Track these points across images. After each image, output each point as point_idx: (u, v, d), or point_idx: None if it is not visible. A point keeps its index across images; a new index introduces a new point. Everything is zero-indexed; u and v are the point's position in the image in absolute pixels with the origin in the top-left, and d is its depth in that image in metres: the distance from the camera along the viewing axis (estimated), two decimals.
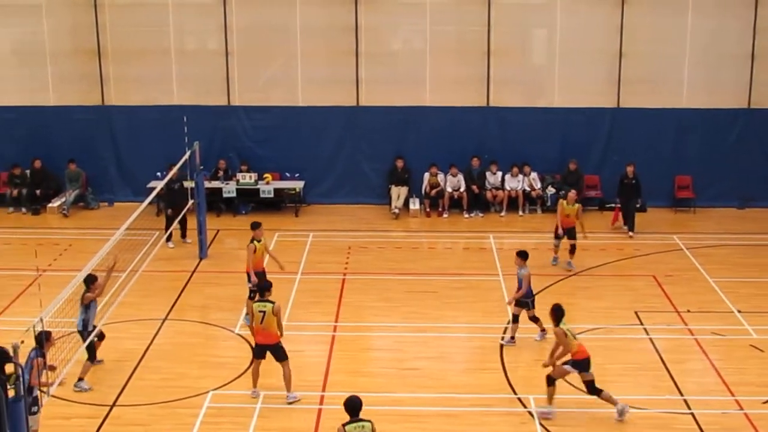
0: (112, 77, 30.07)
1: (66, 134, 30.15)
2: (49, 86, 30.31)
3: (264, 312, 17.42)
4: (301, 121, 29.69)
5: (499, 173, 29.18)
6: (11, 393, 13.77)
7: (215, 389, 18.11)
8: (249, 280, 20.45)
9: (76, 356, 17.09)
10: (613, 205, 28.07)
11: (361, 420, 13.32)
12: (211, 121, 29.45)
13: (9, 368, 14.07)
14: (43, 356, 15.13)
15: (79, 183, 29.83)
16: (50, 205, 29.65)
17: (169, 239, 25.65)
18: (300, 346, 20.17)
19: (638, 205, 27.62)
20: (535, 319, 19.93)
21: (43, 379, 15.33)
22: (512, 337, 19.92)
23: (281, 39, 29.64)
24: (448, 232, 27.72)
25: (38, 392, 15.03)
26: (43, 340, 14.94)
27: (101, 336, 18.81)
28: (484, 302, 22.27)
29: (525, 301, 19.73)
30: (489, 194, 29.11)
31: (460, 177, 29.02)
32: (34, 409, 14.99)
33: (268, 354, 17.68)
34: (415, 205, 29.26)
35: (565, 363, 17.02)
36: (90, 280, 18.00)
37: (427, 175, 29.24)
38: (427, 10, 29.15)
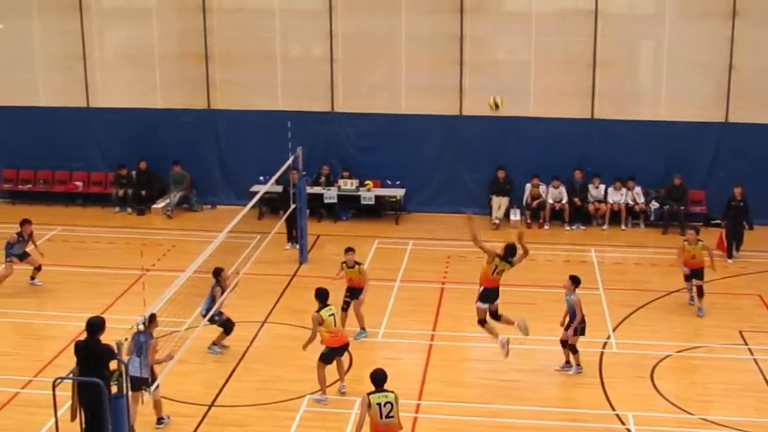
0: (218, 81, 30.48)
1: (172, 137, 30.65)
2: (156, 89, 30.85)
3: (333, 314, 17.96)
4: (404, 129, 29.71)
5: (602, 186, 28.86)
6: (114, 389, 14.01)
7: (312, 393, 18.18)
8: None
9: (179, 353, 17.30)
10: (718, 221, 27.56)
11: (385, 390, 14.28)
12: (314, 127, 29.61)
13: (113, 365, 14.33)
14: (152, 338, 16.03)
15: (184, 185, 30.26)
16: (155, 206, 30.15)
17: (289, 240, 26.40)
18: (396, 353, 20.24)
19: (747, 227, 26.90)
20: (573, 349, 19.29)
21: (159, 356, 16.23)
22: (578, 365, 19.28)
23: (386, 46, 29.72)
24: (548, 244, 27.47)
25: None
26: (148, 322, 15.46)
27: (228, 324, 19.71)
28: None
29: (580, 327, 19.10)
30: (591, 207, 28.81)
31: (562, 189, 28.77)
32: (153, 387, 16.05)
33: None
34: (515, 215, 29.09)
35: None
36: (217, 272, 19.20)
37: (528, 186, 29.05)
38: (533, 20, 28.97)
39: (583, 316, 19.07)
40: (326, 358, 17.95)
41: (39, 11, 30.86)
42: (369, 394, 14.30)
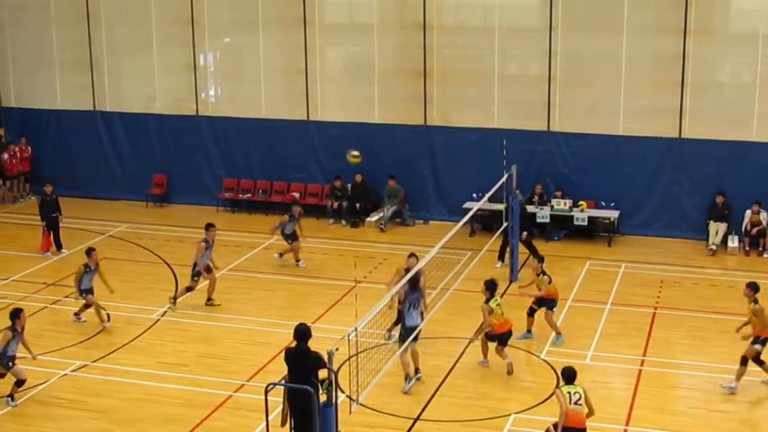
0: (435, 98, 30.72)
1: (387, 151, 31.03)
2: (374, 104, 31.36)
3: (500, 304, 19.95)
4: (620, 150, 29.23)
5: None
6: (323, 398, 14.28)
7: (517, 413, 18.10)
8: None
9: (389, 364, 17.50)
10: None
11: (576, 386, 15.80)
12: (529, 146, 29.50)
13: (323, 374, 14.61)
14: None
15: (398, 199, 30.62)
16: (368, 219, 30.61)
17: (500, 258, 26.57)
18: (605, 377, 19.97)
19: None
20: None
21: None
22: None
23: (605, 66, 29.32)
24: (767, 272, 26.55)
25: None
26: None
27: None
28: None
29: None
30: None
31: None
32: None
33: None
34: (733, 242, 28.22)
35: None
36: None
37: (748, 213, 28.14)
38: (759, 41, 28.07)
39: None
40: (491, 338, 19.93)
41: (264, 26, 31.83)
42: (559, 386, 15.93)
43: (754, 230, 28.00)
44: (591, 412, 15.77)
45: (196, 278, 23.25)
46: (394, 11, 31.04)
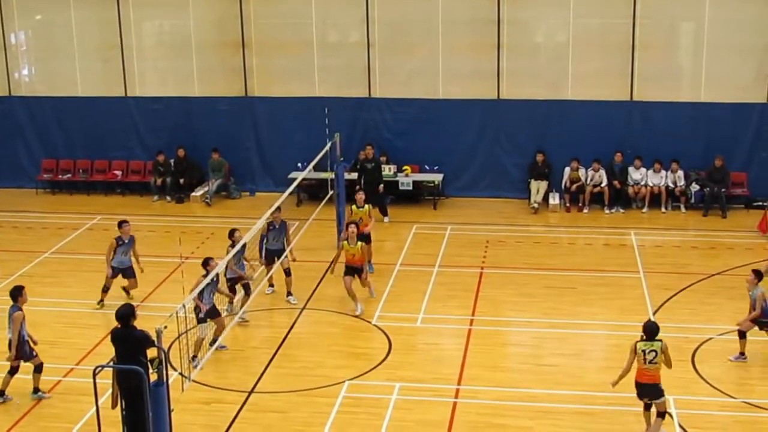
0: (255, 69, 30.49)
1: (209, 124, 30.72)
2: (194, 77, 30.94)
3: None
4: (441, 114, 29.59)
5: (643, 169, 28.60)
6: (154, 377, 14.06)
7: (351, 379, 18.19)
8: None
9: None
10: (762, 204, 27.33)
11: (654, 340, 15.70)
12: (351, 113, 29.61)
13: (152, 353, 14.39)
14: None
15: (222, 173, 30.32)
16: (193, 194, 30.25)
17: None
18: (436, 338, 20.24)
19: None
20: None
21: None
22: (742, 353, 18.74)
23: (423, 31, 29.60)
24: (588, 227, 27.31)
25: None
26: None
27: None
28: (623, 299, 21.88)
29: (763, 321, 18.58)
30: (631, 190, 28.59)
31: (602, 172, 28.55)
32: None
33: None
34: (555, 199, 28.91)
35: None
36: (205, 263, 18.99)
37: (567, 170, 28.87)
38: (571, 2, 28.73)
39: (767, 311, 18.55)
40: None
41: (76, 1, 30.98)
42: (637, 342, 15.76)
43: (574, 187, 28.73)
44: (668, 364, 15.81)
45: (112, 277, 21.82)
46: None
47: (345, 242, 21.32)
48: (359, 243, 21.26)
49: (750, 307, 18.72)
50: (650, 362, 15.63)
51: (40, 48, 32.42)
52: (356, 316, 20.97)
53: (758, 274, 18.71)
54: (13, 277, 23.34)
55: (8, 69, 31.75)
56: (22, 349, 17.43)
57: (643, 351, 15.65)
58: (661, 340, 15.69)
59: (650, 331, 15.80)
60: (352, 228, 21.36)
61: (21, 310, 17.46)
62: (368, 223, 23.10)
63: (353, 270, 21.27)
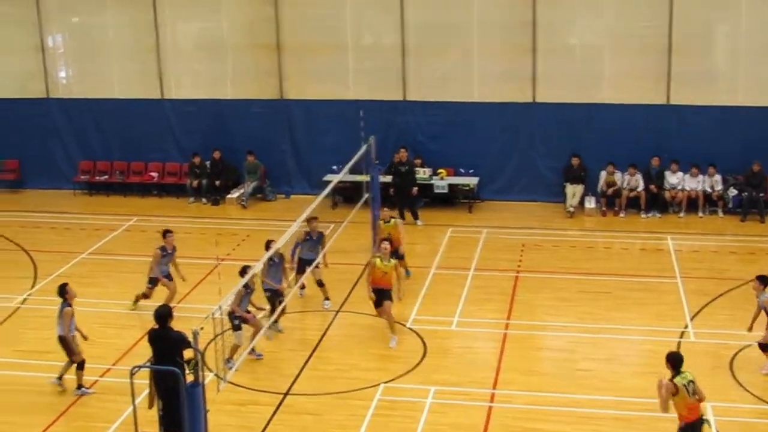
0: (290, 71, 30.55)
1: (243, 127, 30.83)
2: (227, 80, 31.07)
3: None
4: (476, 117, 29.54)
5: (680, 173, 28.42)
6: (190, 378, 14.12)
7: (386, 382, 18.18)
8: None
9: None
10: None
11: (682, 372, 14.39)
12: (386, 116, 29.60)
13: (188, 354, 14.44)
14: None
15: (258, 175, 30.39)
16: (229, 196, 30.33)
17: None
18: (471, 342, 20.21)
19: None
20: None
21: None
22: None
23: (457, 34, 29.53)
24: (624, 231, 27.15)
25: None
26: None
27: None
28: (659, 305, 21.74)
29: None
30: (668, 194, 28.42)
31: (639, 176, 28.39)
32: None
33: None
34: (591, 203, 28.80)
35: None
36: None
37: (603, 174, 28.74)
38: (607, 5, 28.63)
39: None
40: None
41: (112, 3, 31.22)
42: (671, 379, 14.31)
43: (610, 190, 28.60)
44: (701, 398, 14.49)
45: (150, 285, 21.69)
46: None
47: (378, 259, 20.00)
48: (392, 260, 20.26)
49: (755, 314, 18.57)
50: (693, 394, 14.32)
51: (77, 50, 32.59)
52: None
53: (763, 280, 18.49)
54: (51, 276, 23.55)
55: (46, 71, 31.99)
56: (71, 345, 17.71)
57: (685, 386, 14.30)
58: (688, 371, 14.50)
59: (679, 361, 14.54)
60: (386, 245, 20.21)
61: (71, 306, 17.73)
62: (400, 240, 22.34)
63: (381, 295, 19.95)
